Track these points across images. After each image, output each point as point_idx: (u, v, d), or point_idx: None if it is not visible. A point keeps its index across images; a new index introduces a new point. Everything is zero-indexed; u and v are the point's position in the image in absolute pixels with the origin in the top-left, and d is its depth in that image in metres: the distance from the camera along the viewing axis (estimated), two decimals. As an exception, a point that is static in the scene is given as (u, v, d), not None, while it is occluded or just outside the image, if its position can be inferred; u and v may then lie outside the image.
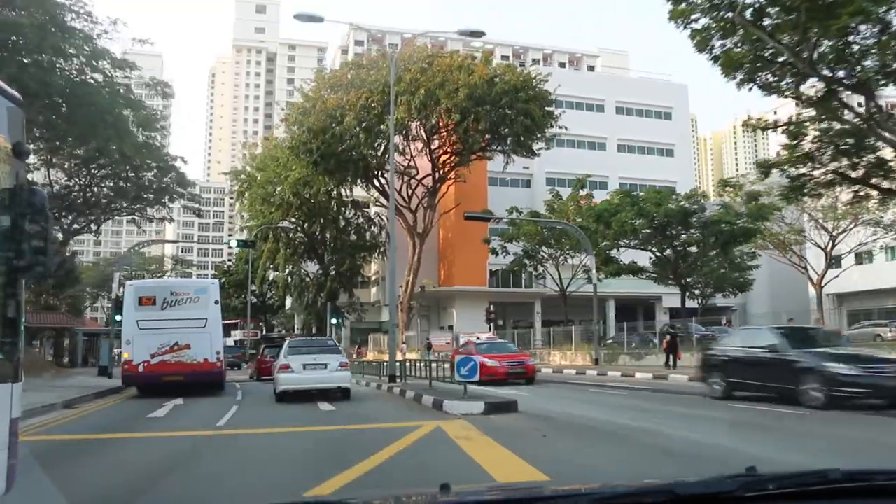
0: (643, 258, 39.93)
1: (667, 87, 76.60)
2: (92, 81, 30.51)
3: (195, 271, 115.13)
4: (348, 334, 69.54)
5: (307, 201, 57.39)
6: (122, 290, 24.54)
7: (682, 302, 38.60)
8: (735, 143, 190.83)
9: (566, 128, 51.77)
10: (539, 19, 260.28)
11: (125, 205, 41.97)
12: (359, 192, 63.08)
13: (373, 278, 71.21)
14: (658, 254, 36.51)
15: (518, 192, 63.91)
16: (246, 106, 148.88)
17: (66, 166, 39.81)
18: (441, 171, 53.61)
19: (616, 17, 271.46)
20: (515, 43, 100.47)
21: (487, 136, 49.50)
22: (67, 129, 30.65)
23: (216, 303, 19.94)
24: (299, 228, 62.93)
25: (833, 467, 2.01)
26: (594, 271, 29.45)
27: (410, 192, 54.62)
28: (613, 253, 38.36)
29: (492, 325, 39.00)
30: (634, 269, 37.65)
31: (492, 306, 39.85)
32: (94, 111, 28.90)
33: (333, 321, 30.73)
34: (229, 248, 28.12)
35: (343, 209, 62.22)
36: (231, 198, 70.76)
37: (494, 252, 41.75)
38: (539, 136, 49.73)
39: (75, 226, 41.41)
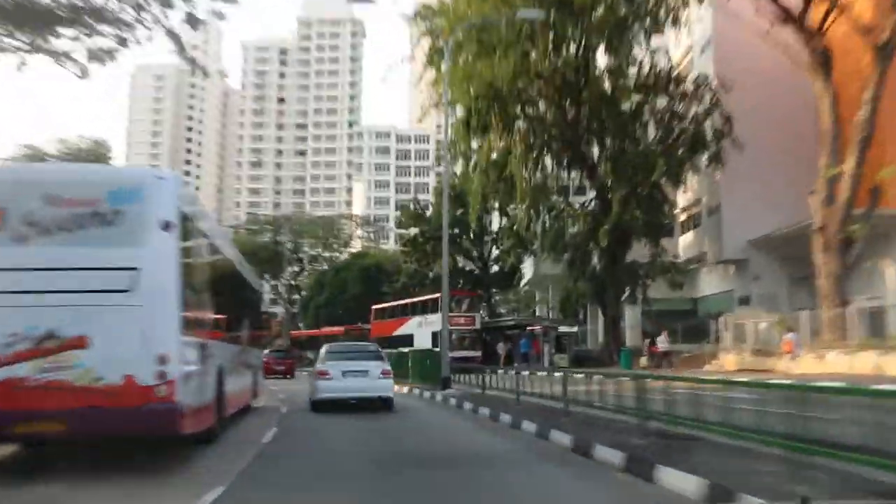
0: None
1: None
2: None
3: (391, 244, 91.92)
4: (638, 317, 41.50)
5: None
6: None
7: None
8: None
9: None
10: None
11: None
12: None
13: (681, 217, 40.87)
14: None
15: None
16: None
17: None
18: None
19: None
20: None
21: None
22: None
23: (167, 227, 8.90)
24: (548, 112, 34.71)
25: None
26: None
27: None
28: None
29: None
30: None
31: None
32: None
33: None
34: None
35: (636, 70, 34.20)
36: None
37: None
38: None
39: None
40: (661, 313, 39.37)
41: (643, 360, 32.03)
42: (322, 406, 16.05)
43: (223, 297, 12.29)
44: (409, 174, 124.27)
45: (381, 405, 16.33)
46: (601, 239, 33.29)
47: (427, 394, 20.84)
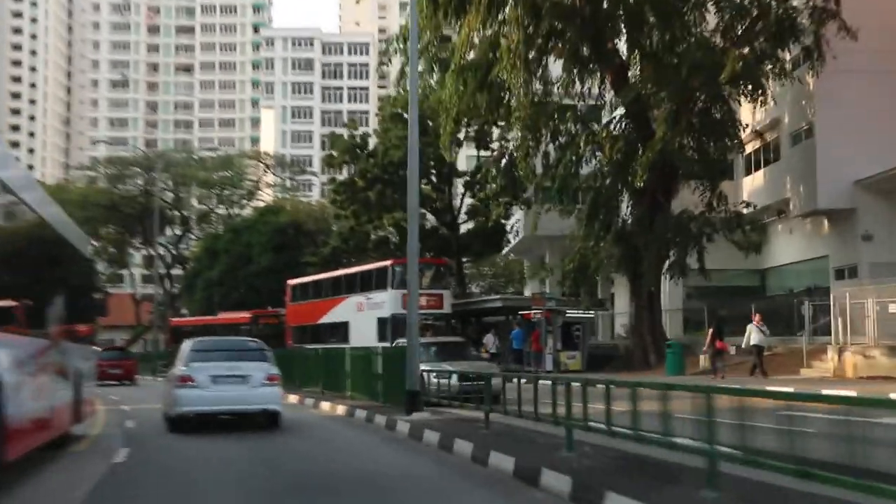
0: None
1: None
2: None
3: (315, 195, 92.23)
4: (681, 295, 41.30)
5: None
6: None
7: None
8: None
9: None
10: None
11: None
12: None
13: (749, 148, 38.37)
14: None
15: None
16: None
17: None
18: None
19: None
20: None
21: None
22: None
23: None
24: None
25: None
26: None
27: None
28: None
29: None
30: None
31: None
32: None
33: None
34: None
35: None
36: None
37: None
38: None
39: None
40: (709, 290, 37.56)
41: (702, 361, 29.32)
42: (184, 425, 16.48)
43: (11, 267, 11.79)
44: (341, 98, 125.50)
45: (267, 422, 16.99)
46: (637, 178, 30.72)
47: (380, 419, 17.68)
